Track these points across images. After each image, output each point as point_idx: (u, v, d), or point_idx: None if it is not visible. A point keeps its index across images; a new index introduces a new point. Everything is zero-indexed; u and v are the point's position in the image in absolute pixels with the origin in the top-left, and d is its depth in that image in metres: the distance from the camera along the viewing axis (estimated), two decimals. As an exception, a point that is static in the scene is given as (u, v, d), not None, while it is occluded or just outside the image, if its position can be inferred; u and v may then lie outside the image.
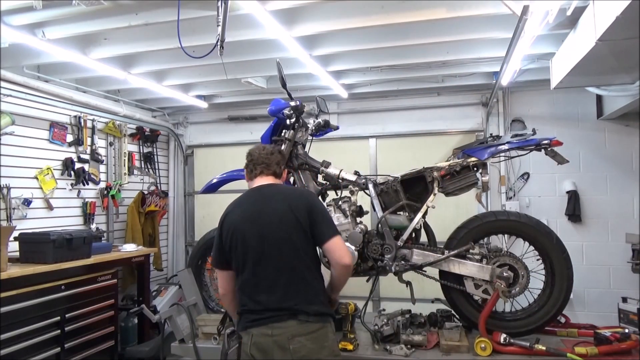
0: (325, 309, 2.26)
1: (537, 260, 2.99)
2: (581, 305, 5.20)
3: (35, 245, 3.78)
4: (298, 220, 2.23)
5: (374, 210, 3.08)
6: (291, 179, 3.29)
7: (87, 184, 5.11)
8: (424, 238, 3.12)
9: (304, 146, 3.25)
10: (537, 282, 3.00)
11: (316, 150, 3.34)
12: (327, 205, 3.05)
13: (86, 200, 5.12)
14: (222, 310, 3.32)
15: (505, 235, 3.13)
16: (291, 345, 2.11)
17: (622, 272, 5.01)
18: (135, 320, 4.91)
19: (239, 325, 2.33)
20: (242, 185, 3.51)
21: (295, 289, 2.20)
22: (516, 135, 2.93)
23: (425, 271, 3.00)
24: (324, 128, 3.29)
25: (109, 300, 4.34)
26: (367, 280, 3.14)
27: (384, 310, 3.30)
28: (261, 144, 2.59)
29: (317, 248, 2.35)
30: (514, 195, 5.48)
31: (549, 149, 2.81)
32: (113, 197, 5.42)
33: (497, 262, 2.89)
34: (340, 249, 2.26)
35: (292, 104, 3.10)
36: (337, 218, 3.00)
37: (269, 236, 2.23)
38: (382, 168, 5.65)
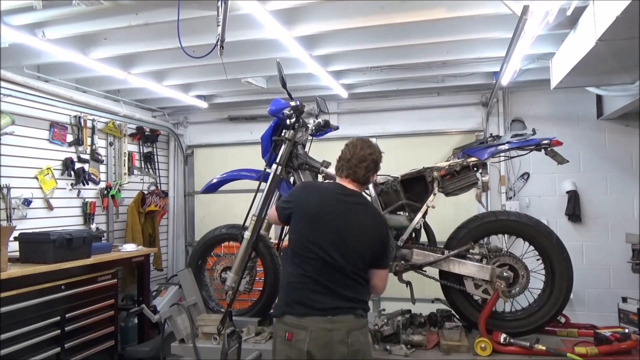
0: (367, 305, 2.39)
1: (537, 260, 2.99)
2: (581, 305, 5.20)
3: (35, 245, 3.78)
4: (373, 243, 2.36)
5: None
6: (291, 179, 3.29)
7: (87, 184, 5.11)
8: (424, 238, 3.11)
9: (304, 146, 3.24)
10: (537, 282, 3.00)
11: (316, 150, 3.34)
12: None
13: (86, 200, 5.12)
14: (222, 310, 3.32)
15: (505, 235, 3.12)
16: (349, 339, 2.19)
17: (622, 272, 5.01)
18: (135, 320, 4.92)
19: (284, 315, 2.27)
20: (242, 185, 3.54)
21: (353, 291, 2.29)
22: (516, 135, 2.93)
23: (425, 271, 3.00)
24: (324, 128, 3.29)
25: (109, 300, 4.34)
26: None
27: (384, 310, 3.29)
28: (360, 141, 2.57)
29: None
30: (514, 195, 5.48)
31: (549, 149, 2.81)
32: (113, 197, 5.43)
33: (497, 262, 2.89)
34: (385, 282, 2.49)
35: (292, 104, 3.09)
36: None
37: (347, 243, 2.28)
38: (382, 168, 5.62)
